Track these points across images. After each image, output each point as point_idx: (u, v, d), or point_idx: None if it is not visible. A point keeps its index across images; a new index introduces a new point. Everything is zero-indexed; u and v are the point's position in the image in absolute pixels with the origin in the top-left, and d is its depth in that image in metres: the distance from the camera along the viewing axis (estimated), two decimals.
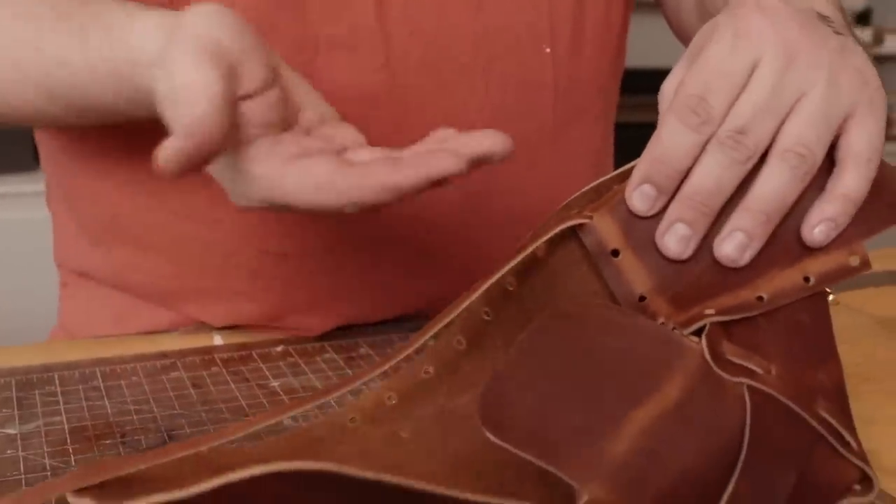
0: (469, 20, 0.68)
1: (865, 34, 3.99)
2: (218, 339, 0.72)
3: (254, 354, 0.69)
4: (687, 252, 0.48)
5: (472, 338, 0.53)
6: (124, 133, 0.66)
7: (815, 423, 0.45)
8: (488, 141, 0.53)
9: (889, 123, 3.97)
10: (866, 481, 0.46)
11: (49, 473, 0.51)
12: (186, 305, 0.74)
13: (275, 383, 0.64)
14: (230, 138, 0.51)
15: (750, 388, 0.45)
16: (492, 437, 0.41)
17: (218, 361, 0.67)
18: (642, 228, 0.49)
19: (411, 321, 0.75)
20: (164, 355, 0.68)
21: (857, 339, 0.78)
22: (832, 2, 0.62)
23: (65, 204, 0.79)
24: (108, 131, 0.67)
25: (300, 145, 0.53)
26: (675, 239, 0.48)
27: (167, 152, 0.48)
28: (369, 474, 0.37)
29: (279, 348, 0.70)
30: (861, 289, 0.91)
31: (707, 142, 0.48)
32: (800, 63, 0.49)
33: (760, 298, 0.49)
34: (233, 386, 0.63)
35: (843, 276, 0.50)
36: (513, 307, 0.52)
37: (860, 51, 0.53)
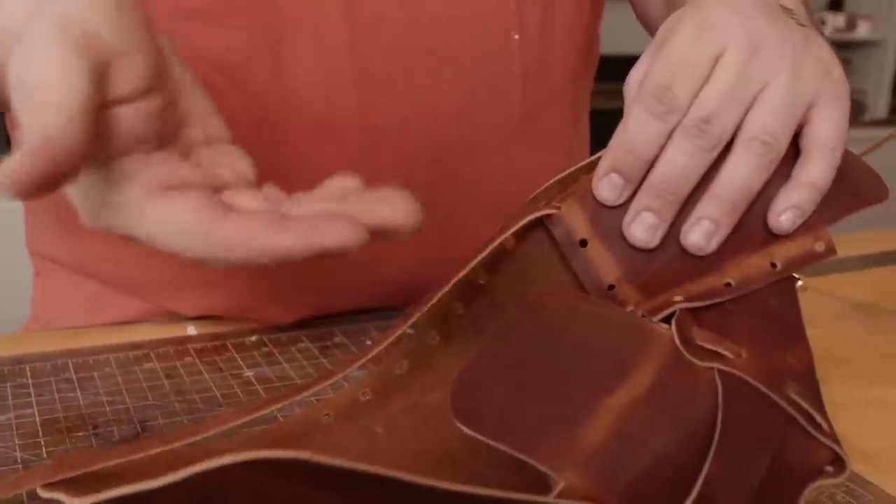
0: (436, 5, 0.68)
1: (838, 20, 4.02)
2: (192, 329, 0.72)
3: (228, 344, 0.69)
4: (654, 241, 0.49)
5: (446, 333, 0.53)
6: None
7: (785, 406, 0.45)
8: (396, 211, 0.45)
9: (862, 108, 4.01)
10: (838, 462, 0.46)
11: (20, 466, 0.51)
12: (158, 295, 0.74)
13: (249, 373, 0.64)
14: (91, 153, 0.41)
15: (721, 372, 0.45)
16: (465, 429, 0.41)
17: (192, 352, 0.67)
18: (610, 218, 0.50)
19: (384, 310, 0.75)
20: (137, 346, 0.67)
21: (830, 323, 0.78)
22: None
23: None
24: None
25: (172, 173, 0.45)
26: (642, 228, 0.49)
27: (7, 171, 0.38)
28: (342, 463, 0.37)
29: (253, 338, 0.70)
30: (833, 273, 0.92)
31: (673, 131, 0.49)
32: (764, 53, 0.50)
33: (728, 285, 0.49)
34: (207, 376, 0.63)
35: (809, 262, 0.51)
36: (485, 300, 0.52)
37: (823, 42, 0.54)
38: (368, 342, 0.70)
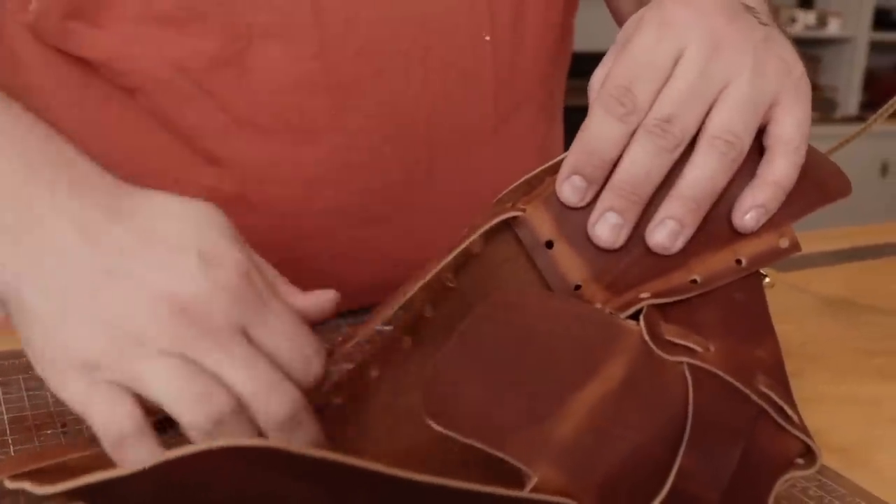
0: (407, 7, 0.67)
1: (809, 17, 4.04)
2: None
3: None
4: (619, 241, 0.49)
5: (416, 336, 0.53)
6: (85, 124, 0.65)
7: (755, 398, 0.46)
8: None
9: (833, 105, 4.04)
10: (809, 455, 0.46)
11: None
12: None
13: None
14: None
15: (690, 366, 0.45)
16: (436, 427, 0.41)
17: None
18: (575, 219, 0.50)
19: (358, 312, 0.74)
20: None
21: (802, 318, 0.78)
22: None
23: None
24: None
25: None
26: (607, 228, 0.49)
27: None
28: (313, 453, 0.36)
29: None
30: (806, 269, 0.92)
31: (634, 131, 0.49)
32: (725, 52, 0.50)
33: (694, 281, 0.49)
34: None
35: (774, 259, 0.51)
36: (454, 302, 0.52)
37: (785, 40, 0.54)
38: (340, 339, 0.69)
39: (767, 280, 0.52)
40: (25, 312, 0.43)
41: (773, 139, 0.51)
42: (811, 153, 0.53)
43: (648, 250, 0.49)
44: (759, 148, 0.51)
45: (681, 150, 0.49)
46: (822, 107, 4.11)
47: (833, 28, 4.13)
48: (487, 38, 0.71)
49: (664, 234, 0.49)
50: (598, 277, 0.49)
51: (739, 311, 0.50)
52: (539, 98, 0.79)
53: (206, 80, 0.65)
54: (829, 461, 0.54)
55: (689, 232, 0.49)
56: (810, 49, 4.29)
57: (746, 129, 0.49)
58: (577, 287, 0.49)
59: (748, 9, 0.54)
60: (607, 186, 0.49)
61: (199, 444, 0.36)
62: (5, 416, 0.55)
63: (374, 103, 0.68)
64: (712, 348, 0.47)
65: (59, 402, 0.57)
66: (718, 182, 0.49)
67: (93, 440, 0.43)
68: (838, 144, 0.76)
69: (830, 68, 4.28)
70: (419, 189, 0.73)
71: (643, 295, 0.49)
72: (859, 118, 4.06)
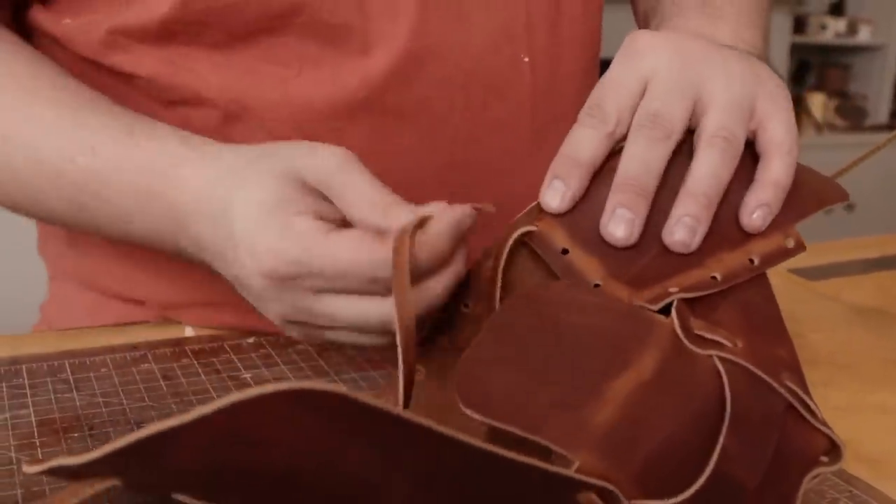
0: (451, 34, 0.67)
1: (839, 24, 4.02)
2: (189, 331, 0.71)
3: (225, 346, 0.68)
4: (633, 236, 0.51)
5: (430, 367, 0.53)
6: None
7: (783, 392, 0.46)
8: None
9: (863, 113, 4.01)
10: (833, 452, 0.47)
11: (15, 467, 0.50)
12: (160, 310, 0.73)
13: (246, 374, 0.63)
14: None
15: (721, 359, 0.46)
16: (473, 415, 0.41)
17: (189, 353, 0.66)
18: (587, 228, 0.52)
19: None
20: (134, 347, 0.67)
21: (833, 327, 0.78)
22: (745, 40, 0.67)
23: None
24: None
25: None
26: (620, 224, 0.51)
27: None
28: (383, 405, 0.33)
29: (251, 339, 0.69)
30: (836, 277, 0.92)
31: (605, 138, 0.52)
32: (693, 63, 0.54)
33: (714, 278, 0.51)
34: (203, 378, 0.62)
35: (782, 258, 0.53)
36: (469, 328, 0.53)
37: (760, 62, 0.58)
38: None
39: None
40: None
41: (766, 144, 0.54)
42: (803, 169, 0.56)
43: (663, 251, 0.51)
44: (753, 157, 0.54)
45: (674, 140, 0.52)
46: (853, 115, 4.09)
47: (864, 35, 4.10)
48: (526, 59, 0.71)
49: (682, 231, 0.51)
50: (617, 276, 0.50)
51: (758, 313, 0.51)
52: (574, 113, 0.79)
53: (250, 101, 0.65)
54: (860, 472, 0.54)
55: (704, 227, 0.51)
56: (840, 57, 4.26)
57: (738, 124, 0.52)
58: (597, 286, 0.50)
59: (724, 45, 0.58)
60: (613, 187, 0.52)
61: (271, 386, 0.33)
62: (33, 419, 0.56)
63: (414, 130, 0.68)
64: (740, 344, 0.48)
65: (87, 404, 0.58)
66: (723, 177, 0.52)
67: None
68: (868, 152, 0.75)
69: (861, 76, 4.26)
70: None
71: (672, 289, 0.50)
72: (890, 126, 4.03)
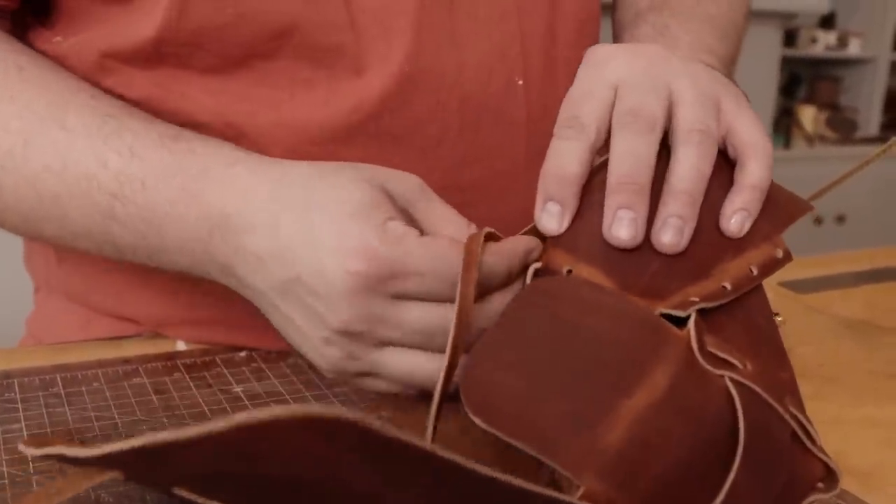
0: (445, 58, 0.67)
1: (830, 37, 4.03)
2: (181, 345, 0.71)
3: (217, 360, 0.68)
4: (638, 236, 0.50)
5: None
6: None
7: (788, 418, 0.46)
8: None
9: (854, 125, 4.02)
10: (829, 478, 0.46)
11: (7, 482, 0.50)
12: (151, 325, 0.73)
13: (238, 389, 0.63)
14: None
15: (733, 381, 0.45)
16: (478, 422, 0.40)
17: (181, 367, 0.66)
18: (586, 242, 0.51)
19: None
20: (126, 361, 0.67)
21: (822, 340, 0.78)
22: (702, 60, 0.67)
23: None
24: None
25: None
26: (623, 226, 0.50)
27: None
28: (407, 437, 0.33)
29: (242, 353, 0.70)
30: (825, 290, 0.92)
31: (588, 149, 0.52)
32: (657, 65, 0.54)
33: (725, 287, 0.50)
34: (195, 392, 0.62)
35: (774, 268, 0.53)
36: None
37: (717, 69, 0.59)
38: None
39: (779, 318, 0.53)
40: None
41: (740, 147, 0.53)
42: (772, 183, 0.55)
43: (668, 262, 0.50)
44: (726, 159, 0.54)
45: (658, 134, 0.51)
46: (843, 127, 4.10)
47: (854, 48, 4.11)
48: (520, 81, 0.71)
49: (670, 232, 0.50)
50: (628, 288, 0.49)
51: (763, 334, 0.50)
52: None
53: (244, 125, 0.65)
54: (849, 485, 0.54)
55: (691, 226, 0.50)
56: (831, 70, 4.28)
57: (711, 117, 0.52)
58: None
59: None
60: (608, 190, 0.51)
61: (279, 408, 0.32)
62: (25, 434, 0.56)
63: (409, 153, 0.68)
64: (749, 366, 0.47)
65: (79, 419, 0.58)
66: (704, 171, 0.51)
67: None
68: (859, 165, 0.76)
69: (851, 89, 4.27)
70: None
71: (693, 298, 0.49)
72: (880, 138, 4.04)
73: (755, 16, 3.28)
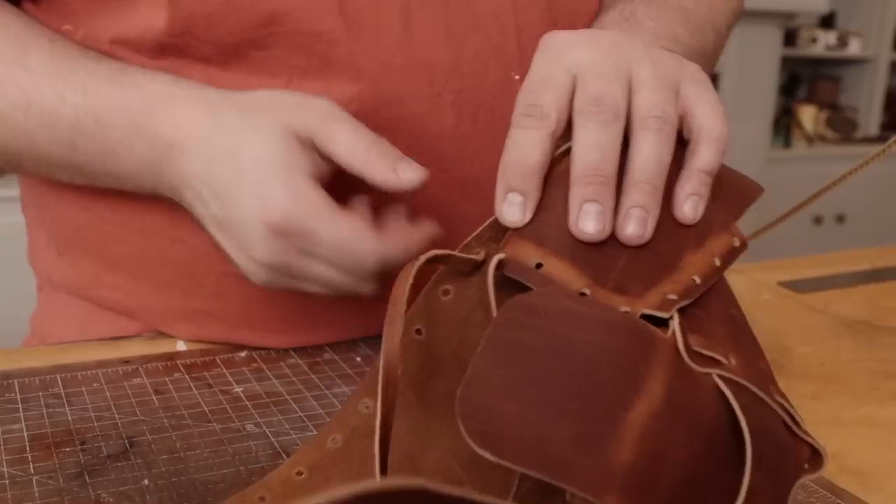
0: (440, 51, 0.67)
1: (830, 37, 4.03)
2: (181, 345, 0.71)
3: (217, 360, 0.68)
4: (605, 229, 0.48)
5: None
6: None
7: (776, 408, 0.45)
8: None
9: (854, 125, 4.02)
10: (815, 459, 0.46)
11: (7, 482, 0.51)
12: (150, 320, 0.73)
13: (238, 389, 0.63)
14: None
15: (723, 378, 0.45)
16: (486, 455, 0.38)
17: (181, 367, 0.66)
18: (554, 235, 0.49)
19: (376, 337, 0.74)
20: (126, 361, 0.67)
21: (821, 340, 0.78)
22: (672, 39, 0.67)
23: (36, 210, 0.79)
24: None
25: None
26: (590, 218, 0.48)
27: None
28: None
29: (243, 354, 0.70)
30: (825, 290, 0.92)
31: (549, 137, 0.50)
32: (615, 49, 0.52)
33: (695, 281, 0.49)
34: (195, 392, 0.62)
35: (734, 256, 0.51)
36: (422, 355, 0.50)
37: (681, 55, 0.56)
38: (358, 359, 0.70)
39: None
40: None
41: (695, 130, 0.52)
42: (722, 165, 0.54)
43: (636, 254, 0.49)
44: (683, 145, 0.52)
45: (620, 122, 0.49)
46: (843, 127, 4.10)
47: (854, 48, 4.11)
48: (517, 77, 0.71)
49: (633, 223, 0.49)
50: (602, 283, 0.48)
51: (738, 326, 0.50)
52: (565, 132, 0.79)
53: None
54: (848, 485, 0.54)
55: (654, 214, 0.49)
56: (831, 69, 4.28)
57: (669, 102, 0.51)
58: (583, 294, 0.47)
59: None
60: (572, 182, 0.49)
61: (352, 487, 0.32)
62: (25, 434, 0.56)
63: (406, 146, 0.68)
64: (733, 361, 0.46)
65: (79, 419, 0.58)
66: (663, 158, 0.50)
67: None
68: (859, 165, 0.76)
69: (851, 88, 4.27)
70: (446, 228, 0.73)
71: (671, 296, 0.47)
72: (880, 138, 4.04)
73: (755, 16, 3.29)
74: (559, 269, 0.48)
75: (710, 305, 0.49)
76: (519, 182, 0.50)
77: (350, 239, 0.58)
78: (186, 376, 0.65)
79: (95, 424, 0.57)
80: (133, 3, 0.65)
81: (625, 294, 0.47)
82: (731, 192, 0.53)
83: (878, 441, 0.60)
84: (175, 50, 0.65)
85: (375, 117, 0.66)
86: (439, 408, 0.48)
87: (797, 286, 0.93)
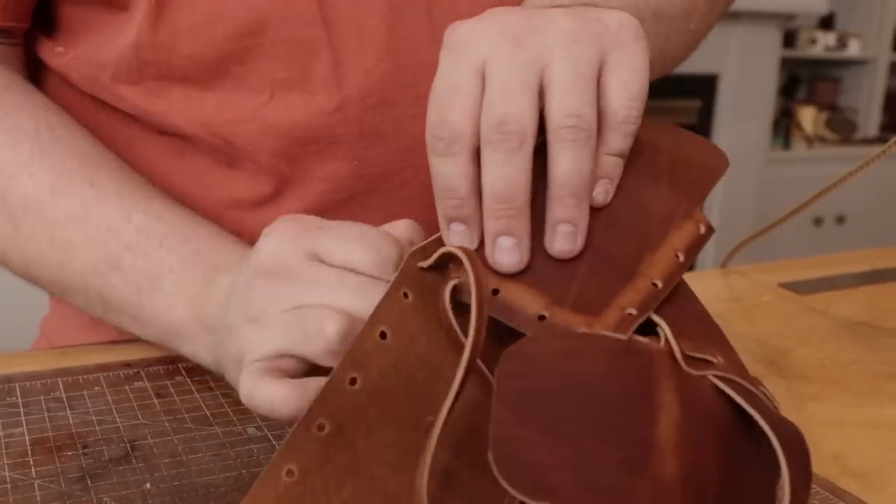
0: (424, 53, 0.67)
1: (829, 38, 4.04)
2: None
3: None
4: (521, 260, 0.47)
5: (338, 417, 0.43)
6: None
7: (767, 402, 0.46)
8: None
9: (853, 126, 4.02)
10: None
11: (9, 486, 0.51)
12: None
13: None
14: None
15: (720, 378, 0.45)
16: None
17: (182, 370, 0.66)
18: None
19: None
20: (127, 365, 0.67)
21: (822, 341, 0.78)
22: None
23: None
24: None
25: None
26: (504, 253, 0.47)
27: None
28: None
29: None
30: (826, 291, 0.92)
31: (468, 160, 0.48)
32: (523, 38, 0.49)
33: (655, 285, 0.48)
34: (197, 395, 0.62)
35: (699, 245, 0.50)
36: (383, 363, 0.45)
37: (613, 9, 0.52)
38: None
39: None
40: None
41: (602, 114, 0.49)
42: (686, 136, 0.53)
43: (594, 266, 0.48)
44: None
45: (529, 145, 0.47)
46: (843, 128, 4.10)
47: (853, 49, 4.12)
48: None
49: (561, 239, 0.48)
50: (560, 303, 0.47)
51: (708, 320, 0.50)
52: None
53: (230, 135, 0.66)
54: (849, 486, 0.54)
55: (583, 226, 0.48)
56: (830, 70, 4.28)
57: (584, 100, 0.48)
58: (542, 317, 0.46)
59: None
60: (484, 215, 0.48)
61: None
62: (27, 438, 0.56)
63: (393, 150, 0.68)
64: (720, 359, 0.47)
65: (80, 423, 0.58)
66: (583, 167, 0.48)
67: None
68: (859, 166, 0.76)
69: (851, 89, 4.27)
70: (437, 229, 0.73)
71: (630, 310, 0.47)
72: (880, 139, 4.05)
73: (755, 17, 3.29)
74: (516, 294, 0.47)
75: (681, 303, 0.49)
76: (456, 212, 0.49)
77: (371, 233, 0.51)
78: (188, 379, 0.65)
79: (97, 428, 0.57)
80: (118, 17, 0.65)
81: (583, 312, 0.47)
82: (692, 174, 0.52)
83: (880, 442, 0.60)
84: (154, 70, 0.65)
85: (359, 123, 0.66)
86: (403, 421, 0.45)
87: (798, 287, 0.93)
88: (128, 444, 0.55)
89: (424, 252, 0.47)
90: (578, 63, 0.48)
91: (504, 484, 0.37)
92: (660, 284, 0.48)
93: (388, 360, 0.45)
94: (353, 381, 0.44)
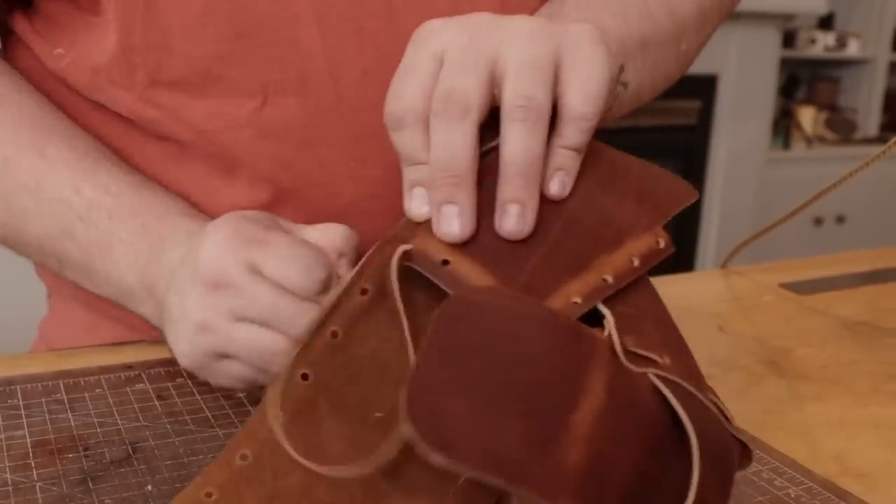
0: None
1: (828, 38, 4.04)
2: None
3: None
4: (465, 229, 0.48)
5: (292, 409, 0.45)
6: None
7: (709, 405, 0.46)
8: None
9: (853, 126, 4.02)
10: (744, 454, 0.47)
11: (11, 489, 0.51)
12: (153, 328, 0.73)
13: (241, 394, 0.63)
14: None
15: (660, 377, 0.45)
16: (439, 461, 0.36)
17: (183, 373, 0.66)
18: None
19: None
20: (128, 367, 0.67)
21: (823, 341, 0.78)
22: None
23: None
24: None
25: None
26: (448, 220, 0.48)
27: None
28: None
29: None
30: (826, 292, 0.92)
31: (420, 131, 0.49)
32: (483, 31, 0.50)
33: (606, 280, 0.49)
34: (198, 397, 0.62)
35: (657, 258, 0.51)
36: (338, 358, 0.47)
37: (577, 22, 0.53)
38: None
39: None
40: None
41: (559, 111, 0.50)
42: (655, 168, 0.54)
43: (548, 254, 0.48)
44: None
45: (474, 117, 0.48)
46: (843, 128, 4.10)
47: (853, 49, 4.12)
48: None
49: (511, 219, 0.48)
50: (508, 283, 0.47)
51: (668, 325, 0.50)
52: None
53: (227, 142, 0.66)
54: (851, 486, 0.54)
55: (532, 206, 0.48)
56: (830, 71, 4.28)
57: (537, 85, 0.48)
58: None
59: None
60: (427, 185, 0.49)
61: None
62: (28, 440, 0.56)
63: (390, 152, 0.68)
64: (667, 359, 0.47)
65: (82, 425, 0.58)
66: (533, 148, 0.48)
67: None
68: (859, 166, 0.76)
69: (850, 89, 4.27)
70: None
71: (576, 299, 0.47)
72: (880, 139, 4.05)
73: (754, 17, 3.29)
74: (465, 268, 0.47)
75: (640, 304, 0.49)
76: (415, 175, 0.50)
77: (307, 250, 0.56)
78: (189, 381, 0.65)
79: (98, 430, 0.57)
80: (96, 19, 0.65)
81: (530, 295, 0.47)
82: (659, 195, 0.53)
83: (881, 442, 0.60)
84: (143, 73, 0.65)
85: (356, 123, 0.66)
86: (353, 415, 0.46)
87: (798, 288, 0.93)
88: (129, 446, 0.55)
89: (395, 240, 0.48)
90: (534, 55, 0.49)
91: (406, 425, 0.36)
92: (610, 280, 0.49)
93: (338, 359, 0.47)
94: (304, 377, 0.46)
